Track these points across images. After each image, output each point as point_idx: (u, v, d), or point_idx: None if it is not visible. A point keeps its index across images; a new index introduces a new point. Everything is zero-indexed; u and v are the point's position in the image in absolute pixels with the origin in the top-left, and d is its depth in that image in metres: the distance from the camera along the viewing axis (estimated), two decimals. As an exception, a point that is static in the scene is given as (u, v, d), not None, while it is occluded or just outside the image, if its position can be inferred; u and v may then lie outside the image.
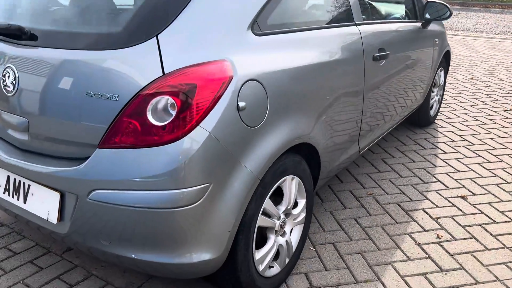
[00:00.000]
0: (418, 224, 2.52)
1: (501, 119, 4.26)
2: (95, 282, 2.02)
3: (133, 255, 1.53)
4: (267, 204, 1.77)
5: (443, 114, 4.39)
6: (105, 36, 1.53)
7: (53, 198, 1.61)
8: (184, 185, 1.43)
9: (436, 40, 3.54)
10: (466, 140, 3.74)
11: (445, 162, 3.32)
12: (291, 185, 1.91)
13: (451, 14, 3.19)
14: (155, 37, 1.48)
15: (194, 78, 1.44)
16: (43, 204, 1.65)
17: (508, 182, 3.01)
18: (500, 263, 2.19)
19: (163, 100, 1.43)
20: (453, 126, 4.07)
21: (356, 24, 2.35)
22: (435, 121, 4.20)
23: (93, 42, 1.54)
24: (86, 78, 1.50)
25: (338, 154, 2.32)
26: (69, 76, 1.54)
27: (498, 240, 2.37)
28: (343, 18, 2.28)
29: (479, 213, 2.63)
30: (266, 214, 1.82)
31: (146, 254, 1.52)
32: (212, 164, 1.47)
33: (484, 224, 2.52)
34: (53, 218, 1.62)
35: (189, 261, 1.52)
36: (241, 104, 1.53)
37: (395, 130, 3.97)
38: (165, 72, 1.44)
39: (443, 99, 4.86)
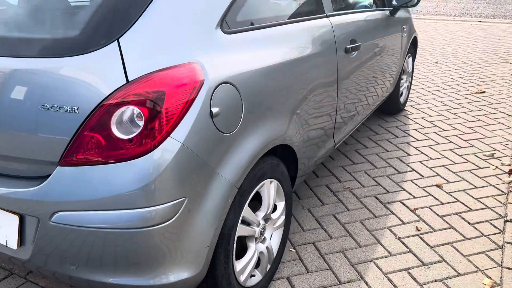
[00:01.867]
0: (397, 217, 2.49)
1: (468, 102, 4.32)
2: (65, 303, 1.89)
3: (105, 280, 1.41)
4: (246, 212, 1.68)
5: (412, 101, 4.41)
6: (60, 42, 1.38)
7: (11, 221, 1.46)
8: (156, 202, 1.32)
9: (404, 26, 3.51)
10: (437, 126, 3.76)
11: (418, 150, 3.32)
12: (270, 189, 1.83)
13: (418, 1, 3.16)
14: (116, 41, 1.34)
15: (162, 85, 1.32)
16: (0, 229, 1.49)
17: (480, 167, 3.03)
18: (480, 252, 2.19)
19: (129, 110, 1.30)
20: (423, 112, 4.09)
21: (327, 16, 2.26)
22: (405, 108, 4.21)
23: (47, 48, 1.38)
24: (41, 90, 1.35)
25: (314, 150, 2.25)
26: (22, 88, 1.38)
27: (475, 228, 2.38)
28: (314, 10, 2.19)
29: (455, 202, 2.63)
30: (245, 222, 1.73)
31: (119, 278, 1.40)
32: (186, 177, 1.36)
33: (461, 212, 2.53)
34: (13, 244, 1.47)
35: (167, 282, 1.41)
36: (215, 109, 1.42)
37: (367, 120, 3.95)
38: (129, 79, 1.31)
39: (412, 85, 4.89)
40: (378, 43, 2.88)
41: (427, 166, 3.07)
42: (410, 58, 4.01)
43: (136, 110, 1.30)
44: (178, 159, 1.33)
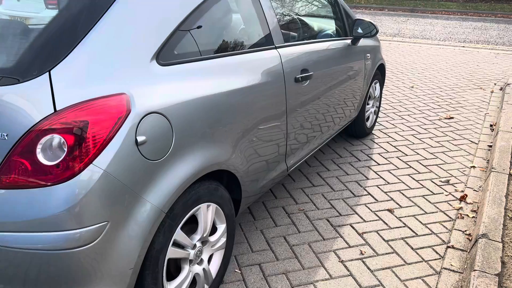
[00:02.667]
0: (344, 240, 2.57)
1: (435, 128, 4.43)
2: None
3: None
4: (179, 235, 1.75)
5: (381, 125, 4.52)
6: (-4, 72, 1.48)
7: None
8: (78, 225, 1.40)
9: (368, 54, 3.64)
10: (400, 151, 3.87)
11: (377, 174, 3.42)
12: (207, 213, 1.91)
13: (377, 32, 3.29)
14: (47, 73, 1.44)
15: (86, 114, 1.41)
16: None
17: (433, 193, 3.13)
18: (417, 278, 2.27)
19: (55, 138, 1.39)
20: (390, 136, 4.20)
21: (276, 47, 2.37)
22: (373, 131, 4.32)
23: (-17, 77, 1.48)
24: (-26, 116, 1.44)
25: (262, 175, 2.34)
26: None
27: (417, 253, 2.46)
28: (262, 42, 2.30)
29: (403, 227, 2.72)
30: (178, 245, 1.80)
31: (43, 297, 1.47)
32: (109, 202, 1.44)
33: (406, 237, 2.61)
34: None
35: (90, 302, 1.49)
36: (141, 138, 1.51)
37: (333, 142, 4.05)
38: (57, 108, 1.40)
39: (382, 110, 5.01)
40: (335, 70, 2.99)
41: (383, 191, 3.16)
42: (378, 84, 4.14)
43: (61, 137, 1.38)
44: (100, 185, 1.41)
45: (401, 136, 4.21)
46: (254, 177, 2.26)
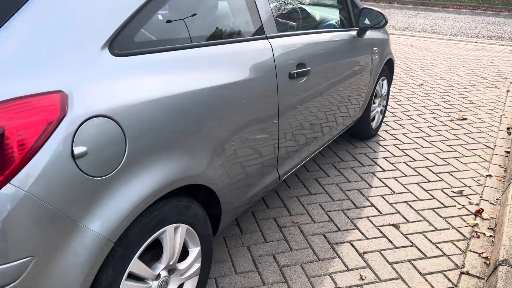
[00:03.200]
0: (342, 261, 2.24)
1: (446, 130, 4.07)
2: None
3: None
4: (136, 266, 1.43)
5: (387, 125, 4.17)
6: None
7: None
8: (-9, 263, 1.08)
9: (375, 48, 3.28)
10: (408, 155, 3.52)
11: (382, 182, 3.07)
12: (175, 236, 1.58)
13: (386, 23, 2.93)
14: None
15: (3, 119, 1.08)
16: None
17: (445, 206, 2.78)
18: (426, 311, 1.94)
19: (-38, 149, 1.06)
20: (397, 138, 3.85)
21: (267, 38, 2.03)
22: (378, 133, 3.97)
23: None
24: None
25: (247, 188, 2.01)
26: None
27: (426, 280, 2.13)
28: (250, 31, 1.95)
29: (410, 246, 2.38)
30: (136, 277, 1.48)
31: None
32: (34, 232, 1.12)
33: (413, 260, 2.27)
34: None
35: None
36: (79, 149, 1.18)
37: (335, 144, 3.71)
38: (-36, 111, 1.07)
39: (389, 108, 4.65)
40: (337, 66, 2.64)
41: (388, 202, 2.82)
42: (385, 81, 3.78)
43: (-31, 149, 1.06)
44: (20, 210, 1.09)
45: (410, 138, 3.85)
46: (238, 190, 1.93)
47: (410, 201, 2.84)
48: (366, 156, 3.48)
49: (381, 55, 3.43)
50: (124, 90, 1.33)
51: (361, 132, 3.65)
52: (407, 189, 2.98)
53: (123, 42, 1.38)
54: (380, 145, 3.70)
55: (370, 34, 3.21)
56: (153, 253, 1.57)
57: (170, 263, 1.59)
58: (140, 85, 1.38)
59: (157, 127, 1.41)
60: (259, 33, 1.99)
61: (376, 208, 2.74)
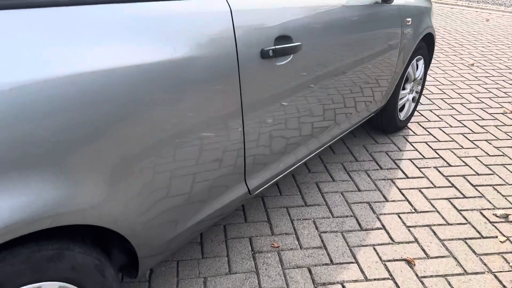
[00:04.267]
0: (325, 315, 1.64)
1: (496, 126, 3.27)
2: None
3: None
4: None
5: (421, 115, 3.41)
6: None
7: None
8: None
9: (408, 19, 2.53)
10: (442, 157, 2.79)
11: (402, 194, 2.39)
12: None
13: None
14: None
15: None
16: None
17: (482, 237, 2.08)
18: None
19: None
20: (430, 134, 3.10)
21: (224, -5, 1.38)
22: (409, 124, 3.23)
23: None
24: None
25: (191, 211, 1.42)
26: None
27: None
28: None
29: (425, 297, 1.74)
30: None
31: None
32: None
33: (426, 322, 1.63)
34: None
35: None
36: None
37: (350, 136, 3.02)
38: None
39: (426, 93, 3.86)
40: (346, 42, 1.95)
41: (405, 224, 2.15)
42: (421, 61, 3.01)
43: None
44: None
45: (447, 135, 3.10)
46: (168, 225, 1.34)
47: (434, 225, 2.15)
48: (388, 155, 2.79)
49: (417, 28, 2.67)
50: None
51: (385, 123, 2.94)
52: (434, 207, 2.29)
53: None
54: (408, 141, 2.98)
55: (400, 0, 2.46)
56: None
57: None
58: None
59: (6, 129, 0.84)
60: (211, -12, 1.34)
61: (388, 233, 2.08)
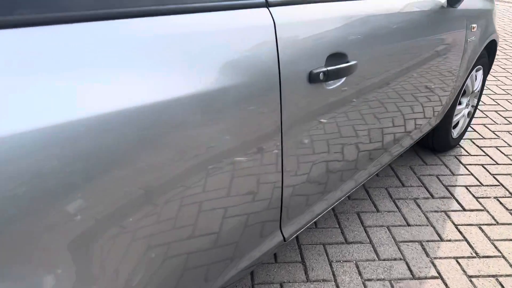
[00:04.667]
0: None
1: (562, 146, 2.86)
2: None
3: None
4: None
5: (474, 130, 3.02)
6: None
7: None
8: None
9: (474, 25, 2.15)
10: (502, 185, 2.41)
11: (459, 231, 2.04)
12: None
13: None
14: None
15: None
16: None
17: (562, 295, 1.72)
18: None
19: None
20: (487, 154, 2.72)
21: (268, 5, 1.06)
22: (460, 143, 2.85)
23: None
24: None
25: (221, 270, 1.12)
26: None
27: None
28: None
29: None
30: None
31: None
32: None
33: None
34: None
35: None
36: None
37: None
38: None
39: (479, 106, 3.45)
40: (405, 57, 1.60)
41: (466, 273, 1.80)
42: (480, 72, 2.63)
43: None
44: None
45: (506, 156, 2.71)
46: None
47: (501, 275, 1.80)
48: (439, 180, 2.43)
49: (483, 35, 2.29)
50: None
51: (436, 142, 2.57)
52: (498, 251, 1.93)
53: None
54: (461, 163, 2.61)
55: (467, 3, 2.09)
56: None
57: None
58: None
59: None
60: (250, -5, 1.02)
61: (445, 284, 1.74)
